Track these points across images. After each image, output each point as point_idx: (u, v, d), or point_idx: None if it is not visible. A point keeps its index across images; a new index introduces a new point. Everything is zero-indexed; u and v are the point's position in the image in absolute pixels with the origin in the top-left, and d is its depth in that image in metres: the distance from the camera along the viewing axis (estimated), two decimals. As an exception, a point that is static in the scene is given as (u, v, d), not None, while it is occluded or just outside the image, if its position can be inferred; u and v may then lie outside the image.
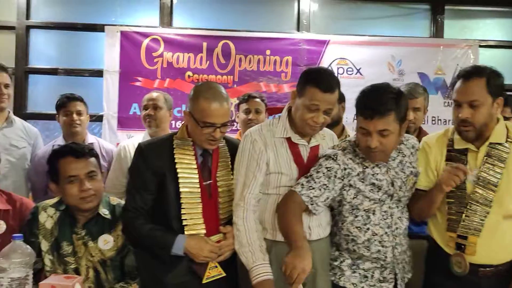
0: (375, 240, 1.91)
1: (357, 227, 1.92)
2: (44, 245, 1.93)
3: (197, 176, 1.91)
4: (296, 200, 1.85)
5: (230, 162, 2.01)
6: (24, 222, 2.02)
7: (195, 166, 1.91)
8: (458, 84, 1.90)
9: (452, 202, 1.93)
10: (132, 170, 1.97)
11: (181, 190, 1.87)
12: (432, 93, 3.96)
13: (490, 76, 1.85)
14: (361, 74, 3.90)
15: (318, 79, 1.85)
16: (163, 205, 1.89)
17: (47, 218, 1.96)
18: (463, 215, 1.89)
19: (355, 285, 1.92)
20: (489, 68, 1.89)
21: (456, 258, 1.90)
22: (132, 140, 2.97)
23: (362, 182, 1.90)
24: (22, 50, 3.86)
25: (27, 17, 3.89)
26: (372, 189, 1.90)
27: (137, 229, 1.87)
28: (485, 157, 1.89)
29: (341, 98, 2.90)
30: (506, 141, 1.90)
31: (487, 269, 1.89)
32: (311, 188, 1.86)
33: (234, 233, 1.88)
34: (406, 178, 1.93)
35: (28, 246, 1.56)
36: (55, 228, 1.95)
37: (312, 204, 1.85)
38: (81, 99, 2.94)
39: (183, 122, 3.69)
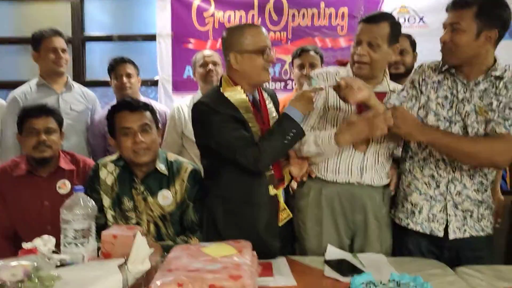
0: (430, 162, 1.83)
1: (417, 143, 1.87)
2: (106, 201, 1.96)
3: (258, 125, 1.87)
4: (402, 109, 1.82)
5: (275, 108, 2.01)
6: (86, 179, 2.06)
7: (253, 115, 1.87)
8: None
9: None
10: (211, 125, 1.82)
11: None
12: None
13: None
14: (424, 22, 3.61)
15: (366, 15, 1.91)
16: None
17: (108, 175, 1.99)
18: None
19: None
20: None
21: None
22: (185, 101, 2.97)
23: (435, 91, 1.80)
24: (78, 19, 3.90)
25: (81, -15, 3.91)
26: (442, 103, 1.79)
27: (269, 149, 1.76)
28: None
29: (414, 46, 2.74)
30: None
31: None
32: (403, 97, 1.87)
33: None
34: (479, 108, 1.75)
35: (89, 198, 1.57)
36: (116, 184, 1.97)
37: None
38: (130, 61, 2.94)
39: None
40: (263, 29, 1.90)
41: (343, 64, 2.04)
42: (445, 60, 1.80)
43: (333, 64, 3.41)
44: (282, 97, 2.82)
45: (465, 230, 1.81)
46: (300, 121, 1.77)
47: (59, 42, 2.80)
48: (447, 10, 1.75)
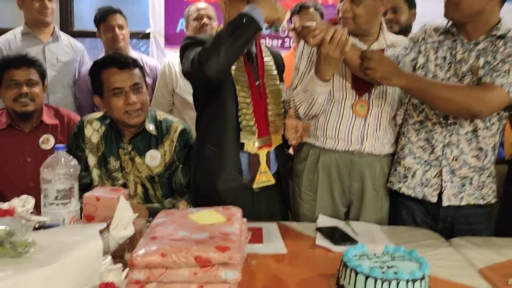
0: (426, 125, 1.78)
1: (412, 104, 1.83)
2: (91, 160, 1.88)
3: (246, 75, 1.78)
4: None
5: (275, 66, 1.91)
6: (70, 136, 1.96)
7: (244, 65, 1.79)
8: None
9: None
10: (186, 47, 1.72)
11: (236, 87, 1.75)
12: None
13: None
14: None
15: None
16: (221, 105, 1.77)
17: (93, 132, 1.89)
18: None
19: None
20: None
21: None
22: (176, 56, 2.82)
23: (435, 52, 1.77)
24: (66, -37, 3.69)
25: None
26: (440, 64, 1.74)
27: (213, 45, 1.55)
28: None
29: (411, 4, 2.64)
30: None
31: None
32: (396, 49, 1.84)
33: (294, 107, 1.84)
34: (473, 67, 1.68)
35: (71, 157, 1.48)
36: (101, 143, 1.88)
37: (398, 62, 1.78)
38: (120, 11, 2.79)
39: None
40: None
41: (336, 23, 1.94)
42: (449, 16, 1.70)
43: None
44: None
45: (462, 198, 1.75)
46: (254, 15, 1.53)
47: (44, -11, 2.64)
48: None
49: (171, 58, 2.83)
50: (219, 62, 1.52)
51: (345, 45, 1.61)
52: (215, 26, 2.76)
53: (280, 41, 3.59)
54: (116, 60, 1.85)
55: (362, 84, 1.81)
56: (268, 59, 1.90)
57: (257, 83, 1.82)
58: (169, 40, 3.60)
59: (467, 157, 1.73)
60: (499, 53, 1.64)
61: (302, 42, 1.92)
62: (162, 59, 3.45)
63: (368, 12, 1.76)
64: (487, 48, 1.67)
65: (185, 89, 2.61)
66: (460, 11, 1.65)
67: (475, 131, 1.72)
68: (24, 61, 2.02)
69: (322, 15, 2.74)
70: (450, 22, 1.74)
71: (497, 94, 1.59)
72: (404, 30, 2.54)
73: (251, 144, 1.77)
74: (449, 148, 1.74)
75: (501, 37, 1.66)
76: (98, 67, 1.88)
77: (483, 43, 1.68)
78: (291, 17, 2.81)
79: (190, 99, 1.97)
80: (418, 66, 1.78)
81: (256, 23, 1.54)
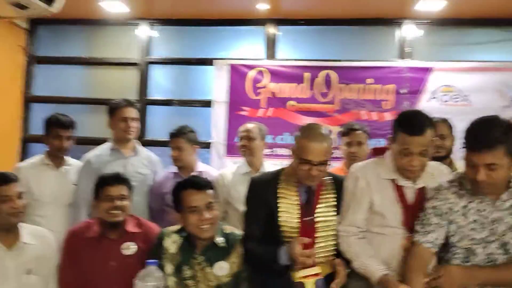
0: None
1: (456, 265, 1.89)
2: (169, 268, 2.14)
3: (296, 212, 2.03)
4: (420, 252, 1.90)
5: (335, 199, 2.10)
6: (151, 246, 2.27)
7: (297, 202, 2.04)
8: None
9: None
10: (246, 202, 2.18)
11: (280, 223, 2.02)
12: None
13: None
14: (467, 101, 3.76)
15: (405, 124, 1.91)
16: (273, 231, 2.04)
17: (171, 244, 2.19)
18: None
19: None
20: None
21: None
22: (230, 168, 3.18)
23: (464, 217, 1.86)
24: (143, 83, 4.31)
25: (148, 54, 4.34)
26: (474, 227, 1.84)
27: (250, 252, 2.08)
28: None
29: (451, 129, 2.85)
30: None
31: None
32: (427, 233, 1.90)
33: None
34: None
35: (160, 271, 1.77)
36: (178, 253, 2.17)
37: (436, 246, 1.90)
38: (180, 135, 3.06)
39: (284, 149, 3.95)
40: (317, 144, 1.94)
41: (379, 151, 2.15)
42: (484, 193, 1.81)
43: (375, 138, 3.59)
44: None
45: None
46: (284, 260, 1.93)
47: (131, 112, 3.09)
48: (474, 150, 1.73)
49: (224, 171, 3.16)
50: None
51: None
52: (256, 146, 3.02)
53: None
54: (195, 183, 2.20)
55: (412, 223, 1.96)
56: (328, 196, 2.09)
57: (308, 219, 2.01)
58: (229, 149, 4.02)
59: None
60: None
61: (353, 179, 2.06)
62: (222, 166, 3.86)
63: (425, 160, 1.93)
64: None
65: (238, 199, 2.85)
66: (496, 188, 1.79)
67: None
68: (119, 179, 2.41)
69: (368, 135, 3.03)
70: (461, 176, 1.88)
71: None
72: (449, 153, 2.78)
73: (294, 274, 1.95)
74: None
75: None
76: (179, 188, 2.22)
77: (509, 201, 1.80)
78: (341, 135, 3.10)
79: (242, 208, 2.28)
80: (451, 234, 1.90)
81: (283, 268, 1.94)
